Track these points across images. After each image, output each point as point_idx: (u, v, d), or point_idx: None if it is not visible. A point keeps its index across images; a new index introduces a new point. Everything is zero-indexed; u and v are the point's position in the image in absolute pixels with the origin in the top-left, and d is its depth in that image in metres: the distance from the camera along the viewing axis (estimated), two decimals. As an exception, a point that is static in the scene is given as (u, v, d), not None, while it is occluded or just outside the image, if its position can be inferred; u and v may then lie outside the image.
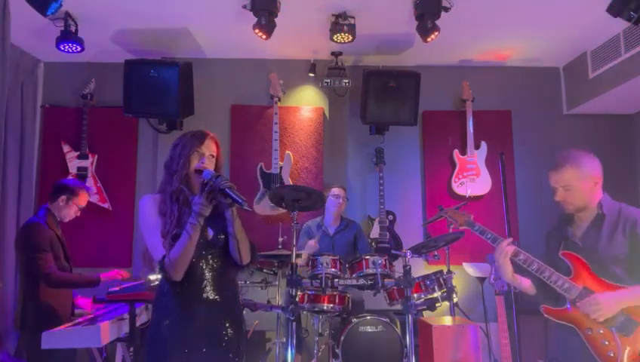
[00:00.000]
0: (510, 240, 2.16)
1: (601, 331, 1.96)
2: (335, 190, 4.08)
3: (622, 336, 1.93)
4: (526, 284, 2.20)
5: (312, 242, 3.83)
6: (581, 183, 2.09)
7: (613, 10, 3.26)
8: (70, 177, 4.36)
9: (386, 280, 3.29)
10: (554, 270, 2.06)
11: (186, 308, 1.92)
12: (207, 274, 1.95)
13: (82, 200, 3.20)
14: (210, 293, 1.95)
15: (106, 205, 4.48)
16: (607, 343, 1.95)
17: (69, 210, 3.16)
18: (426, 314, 3.74)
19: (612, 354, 1.93)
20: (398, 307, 3.40)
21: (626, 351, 1.91)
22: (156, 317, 1.95)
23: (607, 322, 1.95)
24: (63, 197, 3.13)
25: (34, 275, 2.94)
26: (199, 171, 1.94)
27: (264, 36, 3.67)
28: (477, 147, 4.71)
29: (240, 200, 1.81)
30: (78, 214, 3.25)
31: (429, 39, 3.73)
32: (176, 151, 2.01)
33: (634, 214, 2.06)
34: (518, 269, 2.17)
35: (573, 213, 2.16)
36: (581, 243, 2.12)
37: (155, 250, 1.88)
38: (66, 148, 4.53)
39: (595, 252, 2.05)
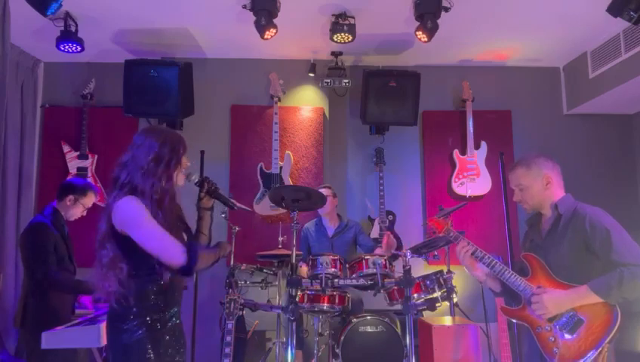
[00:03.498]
0: (466, 240, 2.28)
1: (548, 328, 2.04)
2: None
3: (566, 334, 1.99)
4: (490, 282, 2.31)
5: (303, 267, 3.82)
6: (531, 182, 2.20)
7: (613, 10, 3.26)
8: (75, 176, 4.36)
9: (386, 280, 3.29)
10: (512, 271, 2.17)
11: (167, 321, 1.92)
12: (177, 285, 1.98)
13: (89, 200, 3.18)
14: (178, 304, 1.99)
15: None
16: (552, 340, 2.02)
17: (76, 210, 3.13)
18: (426, 314, 3.74)
19: (556, 351, 2.00)
20: (398, 307, 3.40)
21: (566, 348, 1.97)
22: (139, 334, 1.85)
23: (553, 319, 2.03)
24: (71, 197, 3.10)
25: (35, 277, 2.93)
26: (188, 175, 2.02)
27: (273, 33, 3.64)
28: (477, 147, 4.71)
29: (231, 204, 2.00)
30: (84, 214, 3.23)
31: (423, 39, 3.72)
32: (166, 151, 1.91)
33: (585, 211, 2.11)
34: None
35: (531, 212, 2.28)
36: (542, 244, 2.21)
37: (175, 252, 1.80)
38: (66, 148, 4.53)
39: (553, 252, 2.13)
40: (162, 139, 1.92)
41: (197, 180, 2.09)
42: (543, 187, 2.19)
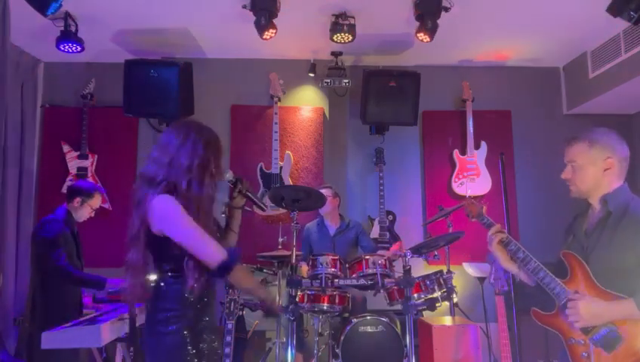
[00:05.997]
0: (498, 226, 2.04)
1: (583, 342, 1.79)
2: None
3: (601, 352, 1.74)
4: (524, 275, 2.04)
5: (304, 267, 3.82)
6: (588, 163, 1.86)
7: (613, 10, 3.26)
8: (75, 176, 4.44)
9: (386, 280, 3.29)
10: (548, 271, 1.88)
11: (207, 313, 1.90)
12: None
13: (96, 201, 3.36)
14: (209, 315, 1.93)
15: (106, 205, 4.47)
16: (585, 355, 1.78)
17: (84, 211, 3.30)
18: (426, 314, 3.74)
19: None
20: (398, 307, 3.40)
21: None
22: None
23: (589, 332, 1.77)
24: (78, 199, 3.26)
25: (45, 269, 3.05)
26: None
27: (273, 34, 3.65)
28: (477, 147, 4.71)
29: (262, 205, 2.03)
30: (92, 215, 3.39)
31: (419, 35, 3.73)
32: (207, 153, 1.85)
33: (639, 212, 1.79)
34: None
35: (575, 196, 1.94)
36: (585, 242, 1.89)
37: (215, 248, 1.76)
38: (66, 148, 4.53)
39: (596, 253, 1.84)
40: (206, 141, 1.85)
41: (231, 179, 2.08)
42: (601, 172, 1.85)
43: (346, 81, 4.53)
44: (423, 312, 3.69)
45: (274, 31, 3.65)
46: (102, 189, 3.53)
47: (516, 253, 1.97)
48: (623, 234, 1.78)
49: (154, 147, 1.88)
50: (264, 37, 3.65)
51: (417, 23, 3.68)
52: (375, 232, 4.46)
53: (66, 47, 3.93)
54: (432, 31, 3.63)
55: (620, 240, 1.78)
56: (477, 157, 4.69)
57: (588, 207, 1.96)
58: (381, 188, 4.50)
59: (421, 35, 3.71)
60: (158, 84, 4.22)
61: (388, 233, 4.46)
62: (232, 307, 2.99)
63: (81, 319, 2.88)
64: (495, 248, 2.01)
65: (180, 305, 1.79)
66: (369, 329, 3.32)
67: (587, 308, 1.75)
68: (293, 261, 3.16)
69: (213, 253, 1.76)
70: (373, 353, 3.27)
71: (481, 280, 4.14)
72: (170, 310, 1.79)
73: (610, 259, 1.80)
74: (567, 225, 2.08)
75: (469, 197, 2.39)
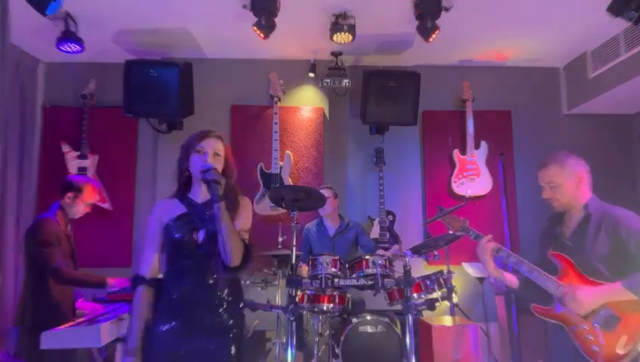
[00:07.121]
0: (489, 236, 2.29)
1: (585, 327, 2.05)
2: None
3: (604, 331, 2.00)
4: (511, 280, 2.31)
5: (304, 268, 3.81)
6: (564, 180, 2.20)
7: (613, 10, 3.25)
8: (74, 173, 4.38)
9: (386, 280, 3.29)
10: (541, 270, 2.16)
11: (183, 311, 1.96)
12: (199, 277, 1.98)
13: (88, 194, 3.21)
14: (205, 295, 1.98)
15: (106, 205, 4.48)
16: (591, 338, 2.03)
17: (78, 207, 3.18)
18: (426, 314, 3.73)
19: (596, 349, 2.01)
20: (398, 307, 3.40)
21: (608, 346, 1.98)
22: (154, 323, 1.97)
23: (589, 317, 2.03)
24: (70, 194, 3.14)
25: (41, 270, 2.95)
26: (203, 172, 1.93)
27: (261, 35, 3.67)
28: (477, 147, 4.71)
29: (214, 196, 1.87)
30: (88, 209, 3.26)
31: (430, 39, 3.74)
32: (181, 152, 2.06)
33: (616, 214, 2.12)
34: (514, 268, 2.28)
35: (560, 210, 2.26)
36: (570, 243, 2.20)
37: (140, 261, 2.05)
38: (66, 148, 4.53)
39: (582, 252, 2.13)
40: (183, 142, 2.10)
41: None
42: (575, 186, 2.21)
43: (346, 81, 4.52)
44: (423, 312, 3.69)
45: (261, 35, 3.65)
46: (94, 182, 3.38)
47: (508, 258, 2.23)
48: (605, 235, 2.10)
49: None
50: (253, 29, 3.65)
51: (419, 25, 3.67)
52: (375, 232, 4.46)
53: (66, 47, 3.93)
54: (433, 28, 3.62)
55: (603, 239, 2.10)
56: (477, 157, 4.69)
57: (563, 215, 2.28)
58: (381, 188, 4.50)
59: (432, 37, 3.73)
60: (158, 84, 4.22)
61: (388, 233, 4.46)
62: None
63: (81, 319, 2.88)
64: (485, 257, 2.26)
65: None
66: (369, 329, 3.32)
67: (584, 296, 2.03)
68: (293, 261, 3.16)
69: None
70: (373, 353, 3.27)
71: (481, 280, 4.14)
72: None
73: (595, 254, 2.10)
74: (541, 233, 2.40)
75: (449, 213, 2.63)
